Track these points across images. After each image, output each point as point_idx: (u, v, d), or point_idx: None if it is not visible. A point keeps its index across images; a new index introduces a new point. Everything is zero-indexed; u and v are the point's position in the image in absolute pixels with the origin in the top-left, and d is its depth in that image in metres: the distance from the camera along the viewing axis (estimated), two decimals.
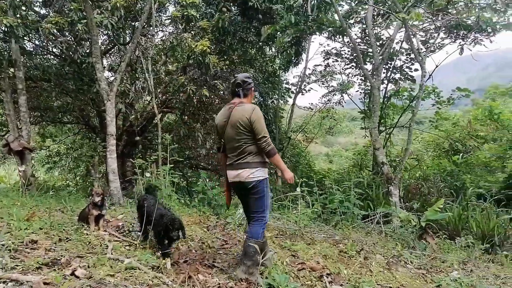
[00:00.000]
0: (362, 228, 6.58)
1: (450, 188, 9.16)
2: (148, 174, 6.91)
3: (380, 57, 7.31)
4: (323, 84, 12.93)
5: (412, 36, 6.87)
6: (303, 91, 11.81)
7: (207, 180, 7.79)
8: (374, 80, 7.32)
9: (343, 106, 13.68)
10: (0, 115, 11.24)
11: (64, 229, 3.92)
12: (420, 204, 7.70)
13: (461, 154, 10.34)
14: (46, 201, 5.92)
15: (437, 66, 8.02)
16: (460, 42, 7.68)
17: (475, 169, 10.46)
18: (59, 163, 14.95)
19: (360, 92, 11.04)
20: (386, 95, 10.00)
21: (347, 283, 3.45)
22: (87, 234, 3.82)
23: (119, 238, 3.89)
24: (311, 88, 12.18)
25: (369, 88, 10.85)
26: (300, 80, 11.28)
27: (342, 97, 12.74)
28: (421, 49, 6.82)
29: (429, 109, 10.38)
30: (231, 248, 4.19)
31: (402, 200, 7.05)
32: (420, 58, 6.69)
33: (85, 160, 10.35)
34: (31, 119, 11.86)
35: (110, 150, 6.17)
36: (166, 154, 7.46)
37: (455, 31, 7.47)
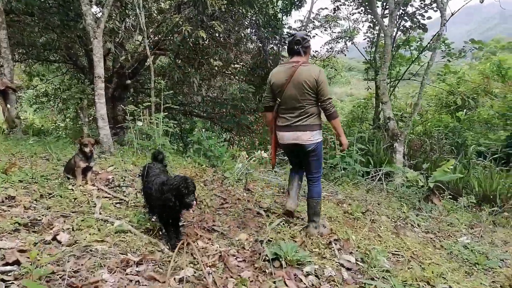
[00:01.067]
0: (362, 185, 6.33)
1: (451, 145, 8.88)
2: (140, 122, 6.47)
3: (395, 0, 6.61)
4: (325, 30, 12.10)
5: None
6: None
7: (203, 129, 7.37)
8: (386, 26, 6.69)
9: (345, 55, 12.95)
10: None
11: (47, 183, 3.51)
12: (423, 162, 7.46)
13: (464, 110, 9.96)
14: (31, 147, 5.46)
15: (453, 14, 7.33)
16: None
17: (475, 126, 10.14)
18: (48, 104, 14.29)
19: (368, 40, 10.30)
20: (394, 44, 9.32)
21: (357, 250, 3.17)
22: (72, 189, 3.42)
23: (109, 194, 3.51)
24: (316, 34, 11.37)
25: (376, 36, 10.17)
26: (304, 24, 10.43)
27: (345, 45, 11.99)
28: None
29: (438, 62, 9.79)
30: (230, 208, 3.87)
31: (405, 157, 6.74)
32: (442, 4, 6.02)
33: (74, 103, 9.75)
34: (16, 56, 11.04)
35: (99, 94, 5.62)
36: (159, 100, 6.95)
37: None
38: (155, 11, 11.09)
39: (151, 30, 10.68)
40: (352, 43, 10.43)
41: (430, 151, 7.86)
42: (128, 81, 8.64)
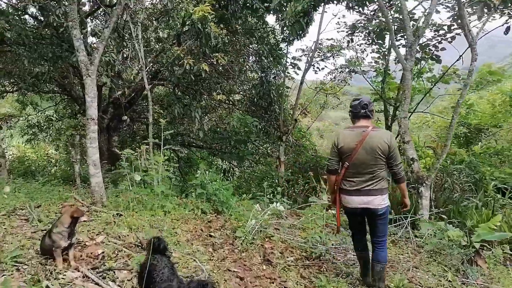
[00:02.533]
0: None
1: (468, 181, 8.17)
2: (138, 176, 5.59)
3: (414, 33, 6.03)
4: (327, 60, 11.56)
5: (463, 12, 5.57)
6: (314, 67, 10.40)
7: (205, 171, 6.61)
8: (406, 60, 6.07)
9: (349, 84, 12.41)
10: None
11: (18, 270, 2.70)
12: (444, 204, 6.72)
13: (479, 144, 9.33)
14: (10, 200, 4.65)
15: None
16: (507, 19, 6.44)
17: (490, 159, 9.48)
18: (40, 134, 13.41)
19: (373, 70, 9.72)
20: None
21: None
22: (48, 279, 2.60)
23: (97, 284, 2.69)
24: (325, 67, 10.84)
25: (384, 66, 9.60)
26: (310, 54, 9.88)
27: (350, 75, 11.43)
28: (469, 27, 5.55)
29: (450, 94, 9.23)
30: None
31: (432, 203, 6.00)
32: (471, 38, 5.44)
33: (66, 136, 8.96)
34: (7, 86, 10.32)
35: (91, 138, 4.88)
36: (157, 138, 6.21)
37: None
38: (153, 40, 10.51)
39: (149, 59, 10.07)
40: (361, 73, 9.77)
41: (452, 190, 7.13)
42: (125, 117, 7.87)
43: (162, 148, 5.84)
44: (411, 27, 6.18)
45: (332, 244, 4.53)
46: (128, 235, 3.76)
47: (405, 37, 6.22)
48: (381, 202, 3.13)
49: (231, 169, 12.22)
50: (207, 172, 6.05)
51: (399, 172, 3.15)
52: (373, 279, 3.27)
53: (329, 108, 13.16)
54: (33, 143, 13.96)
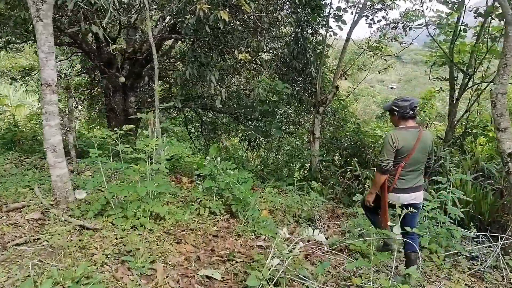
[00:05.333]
0: (464, 262, 3.79)
1: None
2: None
3: None
4: (377, 12, 9.18)
5: None
6: (368, 18, 8.09)
7: (219, 154, 4.97)
8: (511, 11, 3.93)
9: (400, 44, 10.05)
10: None
11: None
12: None
13: None
14: None
15: None
16: None
17: None
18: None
19: (434, 27, 7.34)
20: (483, 35, 6.43)
21: None
22: None
23: None
24: (383, 18, 8.49)
25: (454, 23, 7.17)
26: (360, 3, 7.60)
27: (405, 31, 9.07)
28: None
29: None
30: None
31: None
32: None
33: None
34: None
35: (47, 113, 3.26)
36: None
37: None
38: None
39: (167, 8, 8.24)
40: (425, 27, 7.29)
41: None
42: (122, 78, 6.23)
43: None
44: None
45: None
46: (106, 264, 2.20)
47: None
48: (422, 195, 3.31)
49: (258, 138, 10.50)
50: (218, 159, 4.35)
51: (431, 166, 3.43)
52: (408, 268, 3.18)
53: (371, 70, 10.87)
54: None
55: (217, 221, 4.03)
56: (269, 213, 4.54)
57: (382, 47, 9.73)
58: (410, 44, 7.60)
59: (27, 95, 14.39)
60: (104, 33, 5.56)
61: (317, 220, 4.60)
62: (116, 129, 3.60)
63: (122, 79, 6.50)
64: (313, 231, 2.71)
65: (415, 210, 3.06)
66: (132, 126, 3.63)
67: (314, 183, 5.11)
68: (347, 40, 6.93)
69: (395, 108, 3.22)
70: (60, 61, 10.85)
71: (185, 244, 3.20)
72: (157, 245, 3.06)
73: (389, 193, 3.24)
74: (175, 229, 3.50)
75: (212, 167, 4.33)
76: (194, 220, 3.85)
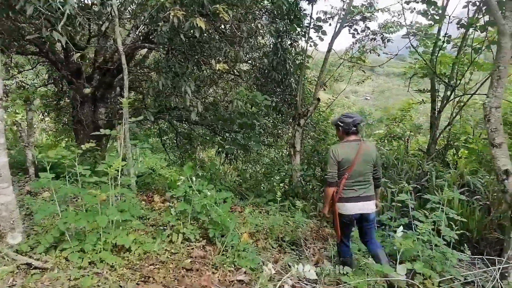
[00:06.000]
0: None
1: None
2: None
3: None
4: (356, 24, 9.06)
5: None
6: (351, 28, 7.87)
7: (194, 174, 4.54)
8: (504, 21, 3.74)
9: (379, 55, 9.96)
10: None
11: None
12: None
13: None
14: None
15: None
16: None
17: None
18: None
19: (413, 38, 7.19)
20: (465, 43, 6.31)
21: None
22: None
23: None
24: (367, 27, 8.26)
25: (423, 33, 7.05)
26: (342, 15, 7.37)
27: (383, 43, 8.95)
28: None
29: None
30: None
31: None
32: None
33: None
34: None
35: None
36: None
37: None
38: None
39: (138, 12, 7.86)
40: (408, 37, 7.07)
41: None
42: (87, 89, 5.70)
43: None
44: None
45: None
46: None
47: None
48: (374, 206, 3.41)
49: (236, 151, 10.07)
50: (193, 179, 3.90)
51: (380, 178, 3.56)
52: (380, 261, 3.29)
53: (347, 81, 10.70)
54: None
55: (192, 249, 3.58)
56: (249, 236, 4.11)
57: (363, 59, 9.60)
58: (396, 55, 7.39)
59: None
60: (67, 41, 5.05)
61: (302, 244, 4.19)
62: (82, 144, 3.12)
63: (87, 90, 5.96)
64: (303, 267, 2.32)
65: (368, 223, 3.39)
66: (92, 144, 3.13)
67: (298, 202, 4.73)
68: (328, 51, 6.67)
69: (340, 123, 3.46)
70: (23, 71, 10.09)
71: (153, 282, 2.72)
72: (119, 287, 2.56)
73: (337, 203, 3.39)
74: (142, 263, 3.01)
75: (186, 188, 3.87)
76: (166, 250, 3.38)
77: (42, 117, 11.72)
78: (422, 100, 7.55)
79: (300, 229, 4.59)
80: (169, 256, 3.28)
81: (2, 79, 2.77)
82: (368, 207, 3.34)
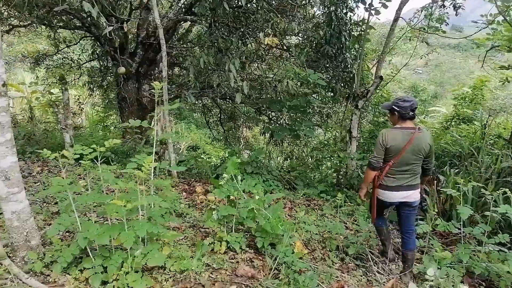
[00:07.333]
0: None
1: None
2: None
3: None
4: None
5: None
6: None
7: (240, 173, 3.86)
8: None
9: (447, 24, 8.49)
10: None
11: None
12: None
13: None
14: None
15: None
16: None
17: None
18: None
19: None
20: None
21: None
22: None
23: None
24: None
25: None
26: None
27: (455, 11, 7.51)
28: None
29: None
30: None
31: None
32: None
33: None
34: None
35: None
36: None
37: None
38: None
39: None
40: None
41: None
42: (121, 69, 5.09)
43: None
44: None
45: None
46: None
47: None
48: (417, 195, 3.23)
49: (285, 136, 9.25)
50: (239, 177, 3.20)
51: (431, 169, 3.29)
52: (406, 266, 3.28)
53: (410, 54, 9.32)
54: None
55: (237, 262, 2.93)
56: (304, 246, 3.39)
57: (440, 22, 8.15)
58: (485, 24, 6.08)
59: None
60: (99, 12, 4.43)
61: (371, 258, 3.40)
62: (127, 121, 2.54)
63: (122, 70, 5.38)
64: None
65: (409, 208, 3.23)
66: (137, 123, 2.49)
67: (362, 207, 3.90)
68: (395, 19, 5.53)
69: (395, 108, 3.16)
70: (68, 46, 9.79)
71: None
72: None
73: (377, 188, 3.25)
74: (178, 287, 2.40)
75: (230, 189, 3.18)
76: (206, 265, 2.76)
77: (91, 92, 11.49)
78: (506, 79, 6.19)
79: (367, 242, 3.78)
80: (210, 275, 2.65)
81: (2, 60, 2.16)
82: (411, 196, 3.17)
